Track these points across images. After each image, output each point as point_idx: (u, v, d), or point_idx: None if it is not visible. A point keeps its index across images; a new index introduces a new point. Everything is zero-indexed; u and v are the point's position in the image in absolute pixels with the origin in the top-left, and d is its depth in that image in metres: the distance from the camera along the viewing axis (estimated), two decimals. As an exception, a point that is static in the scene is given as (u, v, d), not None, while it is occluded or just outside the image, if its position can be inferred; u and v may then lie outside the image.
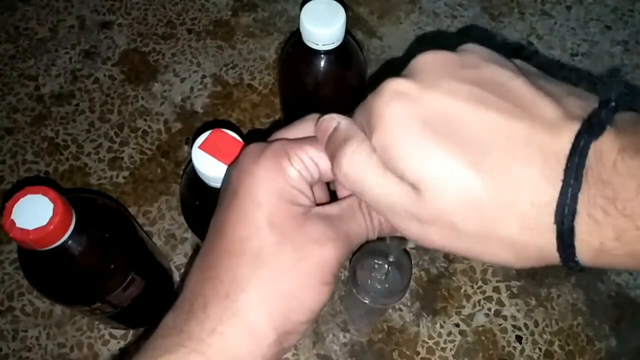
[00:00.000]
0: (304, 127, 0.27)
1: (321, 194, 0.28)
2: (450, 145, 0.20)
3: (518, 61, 0.24)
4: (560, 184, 0.18)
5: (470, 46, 0.23)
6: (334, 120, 0.25)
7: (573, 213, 0.18)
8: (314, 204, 0.26)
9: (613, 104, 0.19)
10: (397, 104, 0.21)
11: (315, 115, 0.28)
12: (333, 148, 0.24)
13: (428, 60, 0.22)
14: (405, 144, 0.21)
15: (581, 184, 0.18)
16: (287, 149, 0.25)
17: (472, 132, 0.20)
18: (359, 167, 0.23)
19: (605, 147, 0.18)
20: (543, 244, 0.20)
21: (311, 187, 0.26)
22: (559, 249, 0.19)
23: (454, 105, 0.21)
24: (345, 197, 0.26)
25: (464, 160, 0.20)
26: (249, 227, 0.24)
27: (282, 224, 0.24)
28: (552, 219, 0.19)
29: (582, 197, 0.18)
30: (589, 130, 0.18)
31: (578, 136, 0.19)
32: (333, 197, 0.28)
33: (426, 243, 0.23)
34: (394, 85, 0.22)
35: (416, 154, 0.21)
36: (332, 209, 0.25)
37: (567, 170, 0.18)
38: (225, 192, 0.26)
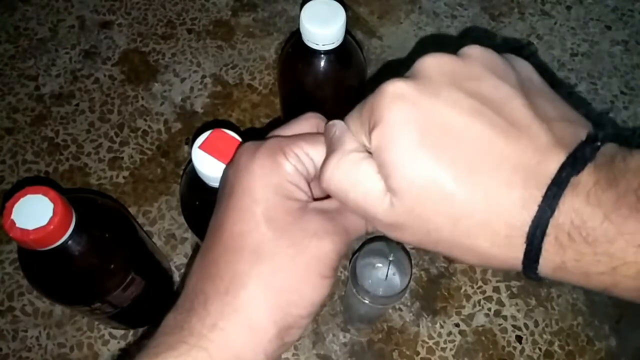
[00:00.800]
0: (300, 125, 0.28)
1: (319, 190, 0.28)
2: (441, 158, 0.21)
3: (523, 65, 0.24)
4: (536, 209, 0.20)
5: (474, 51, 0.23)
6: (333, 127, 0.25)
7: (542, 236, 0.20)
8: (311, 198, 0.26)
9: (599, 143, 0.20)
10: (398, 107, 0.21)
11: (312, 114, 0.28)
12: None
13: (432, 64, 0.22)
14: (398, 150, 0.21)
15: (555, 212, 0.19)
16: (282, 145, 0.25)
17: (465, 147, 0.21)
18: (342, 175, 0.23)
19: (582, 179, 0.19)
20: (509, 258, 0.21)
21: (308, 182, 0.26)
22: (523, 263, 0.21)
23: (453, 118, 0.21)
24: None
25: (451, 174, 0.20)
26: (247, 224, 0.24)
27: (279, 219, 0.24)
28: (522, 239, 0.20)
29: (553, 222, 0.19)
30: (573, 164, 0.20)
31: (561, 169, 0.20)
32: None
33: (401, 241, 0.24)
34: (397, 87, 0.22)
35: (406, 161, 0.21)
36: (330, 203, 0.26)
37: (545, 199, 0.19)
38: (222, 191, 0.27)
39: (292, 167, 0.25)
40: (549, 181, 0.20)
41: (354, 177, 0.23)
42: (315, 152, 0.26)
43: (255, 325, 0.23)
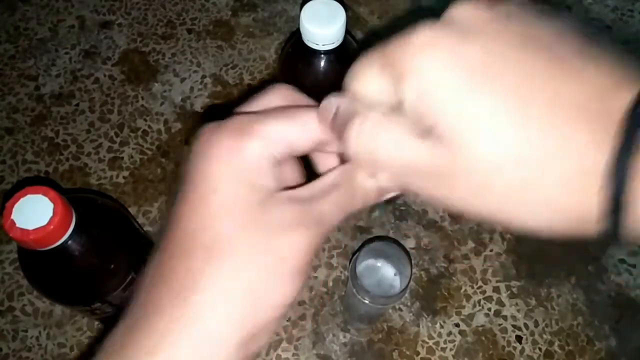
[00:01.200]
0: (267, 99, 0.24)
1: (290, 175, 0.25)
2: (491, 97, 0.18)
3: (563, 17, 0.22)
4: (609, 148, 0.17)
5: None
6: (332, 105, 0.23)
7: (623, 179, 0.17)
8: (281, 185, 0.22)
9: None
10: (434, 50, 0.19)
11: (280, 85, 0.25)
12: (339, 130, 0.22)
13: (466, 9, 0.20)
14: (442, 92, 0.19)
15: (632, 152, 0.17)
16: (245, 125, 0.22)
17: (514, 86, 0.18)
18: (369, 137, 0.21)
19: None
20: (584, 210, 0.18)
21: (280, 165, 0.23)
22: (602, 218, 0.18)
23: (496, 57, 0.19)
24: (323, 175, 0.24)
25: (503, 116, 0.18)
26: (203, 218, 0.21)
27: (242, 211, 0.21)
28: (597, 185, 0.17)
29: (634, 166, 0.17)
30: None
31: (635, 104, 0.17)
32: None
33: (446, 204, 0.21)
34: (430, 31, 0.20)
35: (454, 103, 0.19)
36: (302, 191, 0.22)
37: (620, 136, 0.17)
38: (181, 180, 0.23)
39: (258, 150, 0.22)
40: (619, 117, 0.17)
41: (385, 132, 0.21)
42: (286, 129, 0.22)
43: (213, 335, 0.20)
